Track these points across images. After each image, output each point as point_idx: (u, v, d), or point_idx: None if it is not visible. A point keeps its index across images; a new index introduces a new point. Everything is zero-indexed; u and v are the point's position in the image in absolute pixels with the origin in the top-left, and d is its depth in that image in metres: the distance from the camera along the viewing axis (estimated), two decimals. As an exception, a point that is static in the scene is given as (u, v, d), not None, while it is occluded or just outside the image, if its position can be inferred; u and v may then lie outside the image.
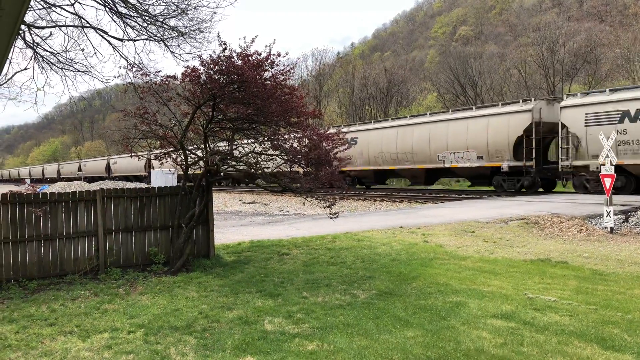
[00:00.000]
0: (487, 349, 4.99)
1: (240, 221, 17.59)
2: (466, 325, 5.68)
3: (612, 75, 43.78)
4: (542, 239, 11.53)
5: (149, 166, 58.34)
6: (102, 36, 12.42)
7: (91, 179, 57.27)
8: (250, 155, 9.53)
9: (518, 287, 7.26)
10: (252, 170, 9.23)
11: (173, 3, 12.14)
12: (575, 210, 14.74)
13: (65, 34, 12.36)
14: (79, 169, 71.32)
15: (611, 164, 12.72)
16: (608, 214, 12.33)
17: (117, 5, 11.97)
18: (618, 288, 7.17)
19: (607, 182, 12.62)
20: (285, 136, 9.44)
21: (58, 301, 7.13)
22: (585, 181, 21.74)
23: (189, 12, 12.39)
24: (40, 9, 11.57)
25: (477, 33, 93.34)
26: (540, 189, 24.72)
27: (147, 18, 12.26)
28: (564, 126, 22.14)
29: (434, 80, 61.15)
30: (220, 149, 10.02)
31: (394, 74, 60.05)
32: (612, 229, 12.25)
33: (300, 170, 9.55)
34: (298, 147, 9.23)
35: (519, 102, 25.28)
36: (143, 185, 25.92)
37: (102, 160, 67.02)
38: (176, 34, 12.69)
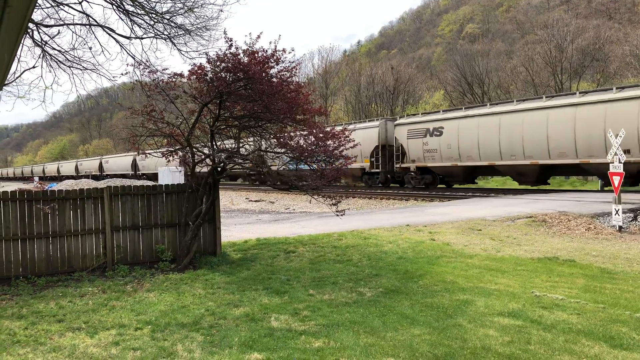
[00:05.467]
0: (494, 347, 4.97)
1: (246, 219, 17.63)
2: (473, 323, 5.67)
3: (620, 72, 43.40)
4: (550, 237, 11.47)
5: (100, 168, 60.15)
6: (109, 34, 12.46)
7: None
8: (256, 153, 9.54)
9: (525, 285, 7.23)
10: (259, 168, 9.24)
11: (180, 1, 12.16)
12: (583, 209, 14.65)
13: (73, 32, 12.41)
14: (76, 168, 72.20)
15: (620, 162, 12.61)
16: (617, 212, 12.24)
17: (124, 3, 12.00)
18: (626, 286, 7.12)
19: (616, 180, 12.52)
20: (292, 134, 9.44)
21: (66, 298, 7.18)
22: (411, 178, 29.11)
23: (195, 10, 12.40)
24: (48, 8, 11.62)
25: (484, 31, 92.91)
26: (395, 184, 31.99)
27: (154, 16, 12.29)
28: (396, 140, 29.80)
29: (441, 78, 60.94)
30: (227, 146, 10.04)
31: (401, 71, 59.91)
32: (620, 227, 12.16)
33: (307, 168, 9.55)
34: (304, 145, 9.23)
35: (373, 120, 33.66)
36: (150, 182, 25.93)
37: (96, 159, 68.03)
38: (183, 32, 12.71)
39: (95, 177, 58.89)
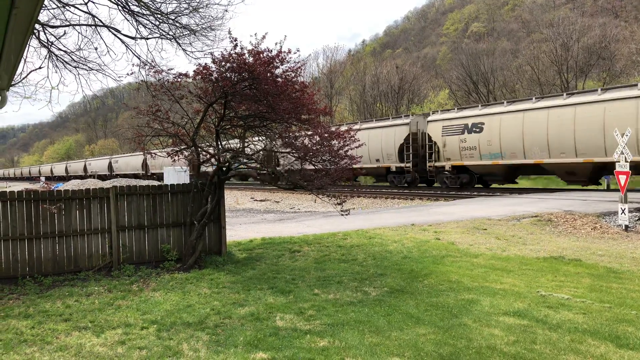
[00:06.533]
0: (499, 347, 4.96)
1: (251, 218, 17.66)
2: (478, 323, 5.66)
3: (627, 71, 43.14)
4: (555, 237, 11.43)
5: (85, 169, 64.45)
6: (115, 35, 12.52)
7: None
8: (261, 152, 9.55)
9: (531, 285, 7.21)
10: (264, 167, 9.25)
11: (185, 1, 12.20)
12: (589, 208, 14.58)
13: (78, 32, 12.49)
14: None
15: (626, 161, 12.54)
16: (623, 212, 12.18)
17: (129, 3, 12.05)
18: (633, 286, 7.09)
19: (622, 179, 12.46)
20: (297, 133, 9.45)
21: (72, 297, 7.22)
22: None
23: (200, 10, 12.44)
24: (54, 8, 11.69)
25: (490, 29, 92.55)
26: None
27: (159, 16, 12.33)
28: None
29: (446, 77, 60.80)
30: (232, 146, 10.06)
31: (406, 71, 59.87)
32: (627, 226, 12.09)
33: (311, 167, 9.55)
34: (309, 145, 9.24)
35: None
36: (155, 182, 26.04)
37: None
38: (188, 32, 12.75)
39: (81, 177, 66.14)
